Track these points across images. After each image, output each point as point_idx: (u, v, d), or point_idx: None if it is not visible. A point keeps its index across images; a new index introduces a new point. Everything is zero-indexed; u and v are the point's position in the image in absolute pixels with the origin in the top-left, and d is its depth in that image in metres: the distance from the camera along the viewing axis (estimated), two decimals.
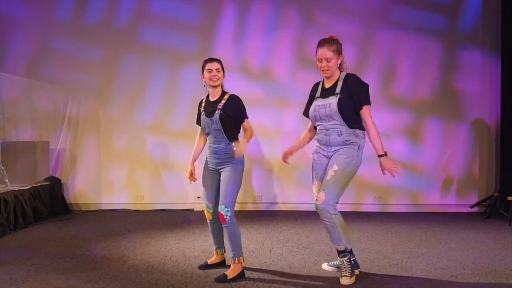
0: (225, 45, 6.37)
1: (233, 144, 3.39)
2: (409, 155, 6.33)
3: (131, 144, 6.43)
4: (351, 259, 3.33)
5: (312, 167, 3.46)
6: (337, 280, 3.30)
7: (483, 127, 6.35)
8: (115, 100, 6.46)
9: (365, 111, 3.27)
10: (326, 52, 3.30)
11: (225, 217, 3.30)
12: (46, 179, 6.03)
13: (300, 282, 3.26)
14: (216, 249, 3.65)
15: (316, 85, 3.50)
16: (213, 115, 3.42)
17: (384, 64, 6.35)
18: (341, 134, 3.28)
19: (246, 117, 3.52)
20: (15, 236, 4.82)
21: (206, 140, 3.62)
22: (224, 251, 3.66)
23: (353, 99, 3.26)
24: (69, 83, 6.39)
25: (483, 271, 3.52)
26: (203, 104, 3.56)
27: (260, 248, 4.25)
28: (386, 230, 5.02)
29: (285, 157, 3.62)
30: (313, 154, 3.45)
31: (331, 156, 3.32)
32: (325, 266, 3.60)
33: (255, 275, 3.43)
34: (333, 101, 3.28)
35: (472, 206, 6.19)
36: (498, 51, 6.29)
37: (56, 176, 6.27)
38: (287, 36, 6.34)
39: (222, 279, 3.28)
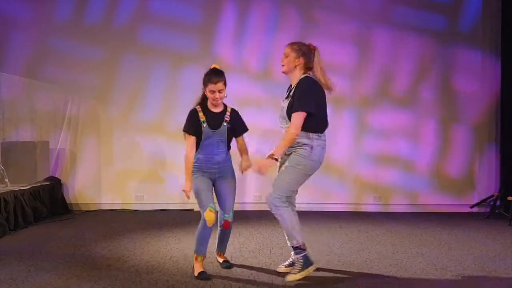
0: (225, 45, 6.37)
1: (243, 165, 3.53)
2: (409, 155, 6.33)
3: (131, 144, 6.43)
4: (303, 254, 3.29)
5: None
6: (337, 280, 3.30)
7: (483, 127, 6.36)
8: (115, 100, 6.45)
9: (293, 116, 3.30)
10: (286, 48, 3.52)
11: (231, 224, 3.49)
12: (46, 179, 6.02)
13: (300, 282, 3.26)
14: (217, 252, 3.72)
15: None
16: (219, 127, 3.46)
17: (384, 64, 6.36)
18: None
19: (247, 130, 3.64)
20: (15, 236, 4.82)
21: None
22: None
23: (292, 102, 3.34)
24: (69, 83, 6.39)
25: (483, 271, 3.52)
26: (201, 115, 3.45)
27: (260, 248, 4.25)
28: (386, 230, 5.02)
29: None
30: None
31: (288, 156, 3.42)
32: (281, 268, 3.51)
33: (255, 275, 3.43)
34: (285, 104, 3.43)
35: (472, 206, 6.19)
36: (498, 51, 6.29)
37: (56, 176, 6.27)
38: (287, 36, 6.32)
39: (228, 264, 3.58)
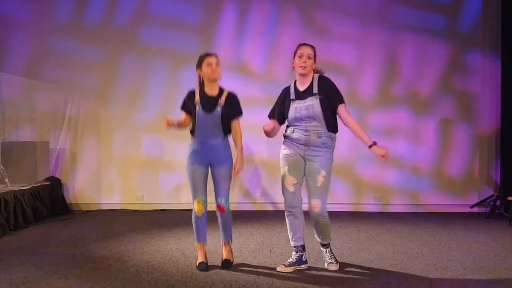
0: (225, 45, 6.37)
1: (236, 167, 3.54)
2: (409, 155, 6.33)
3: (131, 144, 6.43)
4: (303, 255, 3.54)
5: (284, 161, 3.53)
6: (337, 280, 3.30)
7: (483, 127, 6.36)
8: (115, 100, 6.45)
9: (342, 109, 3.41)
10: (308, 49, 3.44)
11: (225, 208, 3.53)
12: (46, 179, 6.03)
13: (300, 282, 3.26)
14: (222, 241, 3.70)
15: (286, 89, 3.59)
16: (213, 111, 3.45)
17: (384, 64, 6.36)
18: (321, 137, 3.40)
19: (242, 114, 3.59)
20: (15, 236, 4.82)
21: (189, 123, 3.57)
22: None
23: (330, 99, 3.40)
24: (69, 83, 6.39)
25: (483, 271, 3.51)
26: (197, 97, 3.49)
27: (260, 248, 4.25)
28: (386, 230, 5.02)
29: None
30: (285, 149, 3.53)
31: (309, 157, 3.42)
32: (281, 268, 3.49)
33: (255, 275, 3.43)
34: (315, 102, 3.39)
35: (472, 206, 6.19)
36: (498, 51, 6.29)
37: (56, 176, 6.27)
38: (287, 36, 6.34)
39: (229, 264, 3.58)
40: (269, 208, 6.34)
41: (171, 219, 5.66)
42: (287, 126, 3.58)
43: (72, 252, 4.13)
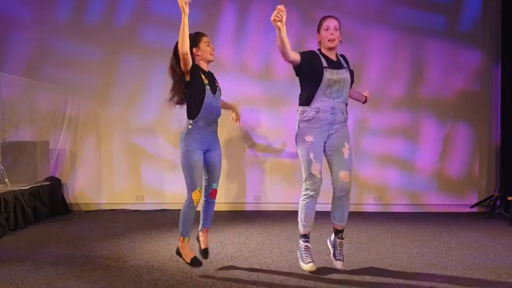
0: (225, 45, 6.36)
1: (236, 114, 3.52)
2: (409, 155, 6.33)
3: (131, 144, 6.43)
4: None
5: (308, 148, 3.37)
6: (337, 280, 3.30)
7: (483, 127, 6.36)
8: (115, 100, 6.45)
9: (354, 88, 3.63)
10: (334, 21, 3.44)
11: (216, 193, 3.53)
12: (46, 179, 6.02)
13: (300, 282, 3.26)
14: (203, 228, 3.63)
15: (313, 53, 3.44)
16: (216, 92, 3.37)
17: (384, 64, 6.36)
18: (343, 113, 3.45)
19: None
20: (15, 236, 4.82)
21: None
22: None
23: (351, 76, 3.49)
24: (69, 83, 6.39)
25: (483, 271, 3.52)
26: (203, 76, 3.29)
27: (260, 248, 4.25)
28: (386, 230, 5.02)
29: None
30: (307, 136, 3.38)
31: (331, 134, 3.41)
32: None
33: (255, 275, 3.43)
34: (347, 76, 3.41)
35: (472, 206, 6.19)
36: (498, 51, 6.29)
37: (56, 176, 6.27)
38: (287, 36, 6.33)
39: (207, 253, 3.56)
40: (269, 208, 6.34)
41: (171, 219, 5.66)
42: (304, 106, 3.41)
43: (72, 252, 4.13)
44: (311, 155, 3.37)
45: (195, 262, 3.41)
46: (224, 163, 6.28)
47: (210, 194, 3.54)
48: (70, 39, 6.37)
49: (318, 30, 3.47)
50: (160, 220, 5.66)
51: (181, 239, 3.46)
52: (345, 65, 3.47)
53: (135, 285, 3.22)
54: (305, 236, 3.54)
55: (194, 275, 3.43)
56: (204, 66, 3.38)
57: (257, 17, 6.42)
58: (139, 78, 6.43)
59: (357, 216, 5.83)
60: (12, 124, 6.35)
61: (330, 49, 3.43)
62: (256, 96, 6.27)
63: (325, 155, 3.47)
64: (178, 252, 3.50)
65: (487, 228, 5.15)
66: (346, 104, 3.52)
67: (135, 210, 6.34)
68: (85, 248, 4.27)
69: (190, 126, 3.31)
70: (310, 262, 3.45)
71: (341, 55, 3.57)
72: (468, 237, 4.71)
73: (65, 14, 6.43)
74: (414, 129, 6.36)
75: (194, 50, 3.33)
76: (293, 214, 5.87)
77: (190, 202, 3.40)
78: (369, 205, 6.33)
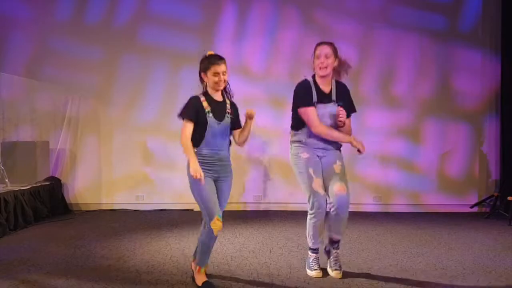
0: (225, 45, 6.36)
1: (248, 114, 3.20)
2: (409, 155, 6.33)
3: (131, 144, 6.43)
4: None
5: (307, 164, 3.35)
6: (337, 280, 3.30)
7: (483, 127, 6.36)
8: (115, 100, 6.45)
9: (349, 118, 3.49)
10: (326, 47, 3.29)
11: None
12: (46, 179, 6.02)
13: (300, 282, 3.26)
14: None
15: (307, 85, 3.37)
16: (223, 119, 3.14)
17: (384, 64, 6.36)
18: (336, 142, 3.48)
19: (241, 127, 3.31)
20: (15, 236, 4.82)
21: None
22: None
23: (345, 106, 3.40)
24: (69, 83, 6.39)
25: (483, 271, 3.52)
26: (205, 104, 3.11)
27: (260, 248, 4.25)
28: (386, 230, 5.02)
29: None
30: (303, 153, 3.38)
31: (323, 156, 3.43)
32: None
33: (255, 275, 3.43)
34: (334, 109, 3.37)
35: (472, 206, 6.19)
36: (498, 51, 6.30)
37: (56, 176, 6.27)
38: (287, 36, 6.35)
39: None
40: (269, 208, 6.34)
41: (171, 219, 5.66)
42: (295, 130, 3.46)
43: (72, 252, 4.12)
44: (311, 171, 3.33)
45: (206, 286, 3.15)
46: None
47: None
48: (70, 39, 6.37)
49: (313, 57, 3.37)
50: (160, 220, 5.66)
51: (197, 269, 3.19)
52: (334, 97, 3.38)
53: (135, 285, 3.22)
54: (315, 250, 3.46)
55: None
56: (212, 92, 3.18)
57: (257, 17, 6.42)
58: (139, 78, 6.43)
59: (357, 216, 5.82)
60: (12, 124, 6.35)
61: (323, 77, 3.35)
62: (256, 96, 6.26)
63: None
64: (193, 278, 3.26)
65: (487, 228, 5.15)
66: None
67: (135, 210, 6.34)
68: (85, 248, 4.26)
69: (199, 152, 3.14)
70: (316, 269, 3.42)
71: (339, 83, 3.44)
72: (468, 237, 4.71)
73: (65, 13, 6.43)
74: (414, 129, 6.35)
75: (202, 74, 3.18)
76: (293, 214, 5.89)
77: (210, 232, 3.06)
78: (369, 205, 6.32)
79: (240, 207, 6.32)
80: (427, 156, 6.35)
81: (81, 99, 6.45)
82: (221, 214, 3.09)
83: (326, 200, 3.35)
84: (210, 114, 3.11)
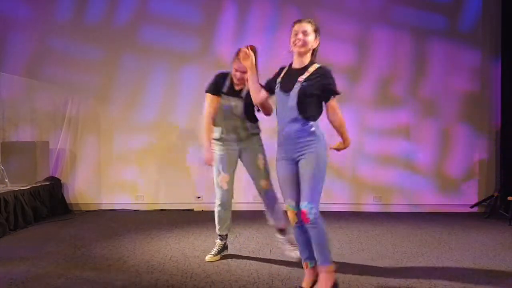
0: (225, 45, 6.36)
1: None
2: (409, 155, 6.33)
3: (131, 144, 6.43)
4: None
5: (217, 161, 3.81)
6: (338, 280, 3.30)
7: (483, 127, 6.35)
8: (115, 100, 6.45)
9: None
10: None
11: (308, 216, 2.80)
12: (46, 179, 6.03)
13: (300, 282, 3.26)
14: (305, 261, 3.06)
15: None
16: (292, 90, 2.96)
17: (384, 64, 6.35)
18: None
19: None
20: (15, 236, 4.82)
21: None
22: (315, 263, 2.98)
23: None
24: (69, 83, 6.39)
25: (483, 271, 3.52)
26: (282, 73, 3.06)
27: (260, 248, 4.25)
28: (386, 230, 5.02)
29: None
30: (217, 150, 3.83)
31: (241, 150, 3.88)
32: (210, 257, 3.84)
33: (255, 275, 3.43)
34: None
35: (472, 206, 6.19)
36: (498, 51, 6.29)
37: (56, 176, 6.27)
38: (287, 36, 6.31)
39: None
40: None
41: (171, 219, 5.66)
42: (215, 125, 3.87)
43: (72, 252, 4.13)
44: (220, 167, 3.76)
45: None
46: None
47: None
48: (70, 39, 6.38)
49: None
50: (160, 220, 5.66)
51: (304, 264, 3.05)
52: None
53: (135, 285, 3.22)
54: (220, 236, 3.95)
55: (194, 275, 3.44)
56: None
57: (257, 17, 6.42)
58: (139, 78, 6.43)
59: (357, 216, 5.83)
60: (12, 124, 6.36)
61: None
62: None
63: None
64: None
65: (487, 228, 5.15)
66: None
67: (135, 210, 6.34)
68: (85, 248, 4.27)
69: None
70: (212, 254, 3.85)
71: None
72: (468, 237, 4.71)
73: (65, 14, 6.43)
74: (414, 129, 6.35)
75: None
76: None
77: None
78: (369, 205, 6.32)
79: (240, 207, 6.31)
80: (427, 156, 6.34)
81: (81, 99, 6.45)
82: (293, 205, 2.86)
83: (232, 195, 3.84)
84: (278, 85, 3.12)
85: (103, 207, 6.43)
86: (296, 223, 2.95)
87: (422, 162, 6.34)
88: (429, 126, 6.35)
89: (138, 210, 6.34)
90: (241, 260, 3.84)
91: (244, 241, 4.52)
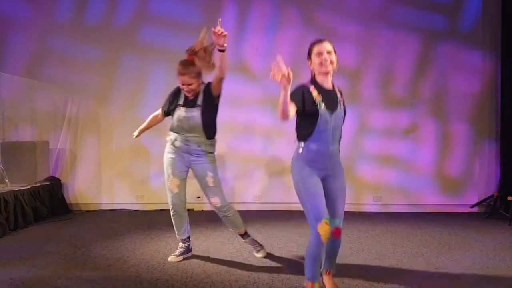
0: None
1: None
2: (409, 155, 6.33)
3: (131, 144, 6.42)
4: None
5: (168, 164, 3.97)
6: (337, 280, 3.30)
7: (483, 127, 6.35)
8: (115, 100, 6.45)
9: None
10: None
11: (341, 231, 2.91)
12: (46, 179, 6.03)
13: (300, 282, 3.26)
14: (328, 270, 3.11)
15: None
16: (337, 109, 2.91)
17: (384, 64, 6.35)
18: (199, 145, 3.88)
19: None
20: (15, 236, 4.82)
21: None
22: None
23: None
24: (69, 83, 6.38)
25: (483, 271, 3.52)
26: (315, 94, 2.87)
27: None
28: (386, 230, 5.02)
29: None
30: (170, 153, 3.99)
31: (194, 162, 3.86)
32: (173, 258, 3.87)
33: (255, 275, 3.44)
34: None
35: (472, 206, 6.19)
36: (498, 51, 6.29)
37: (56, 176, 6.27)
38: (287, 36, 6.34)
39: None
40: (269, 208, 6.34)
41: (171, 219, 5.65)
42: (170, 130, 4.05)
43: (72, 252, 4.13)
44: (170, 170, 3.87)
45: None
46: (224, 163, 6.28)
47: (333, 233, 2.90)
48: (70, 39, 6.37)
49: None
50: (160, 220, 5.66)
51: (310, 284, 2.87)
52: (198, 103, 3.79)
53: (135, 285, 3.22)
54: (182, 240, 3.99)
55: (194, 275, 3.44)
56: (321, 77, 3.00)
57: (257, 17, 6.42)
58: (139, 78, 6.43)
59: (357, 216, 5.83)
60: (12, 124, 6.36)
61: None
62: (256, 96, 6.26)
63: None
64: None
65: (487, 228, 5.15)
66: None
67: (135, 210, 6.34)
68: (85, 248, 4.27)
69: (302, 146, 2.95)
70: (174, 255, 3.90)
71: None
72: (468, 237, 4.71)
73: (65, 14, 6.42)
74: (414, 129, 6.35)
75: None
76: (293, 214, 5.89)
77: (317, 238, 2.77)
78: (369, 205, 6.32)
79: (240, 207, 6.31)
80: (427, 156, 6.34)
81: (81, 99, 6.45)
82: (329, 218, 2.79)
83: (184, 199, 3.94)
84: (322, 105, 2.87)
85: (103, 207, 6.43)
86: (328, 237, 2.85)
87: (422, 162, 6.34)
88: (429, 126, 6.35)
89: (138, 210, 6.34)
90: (241, 260, 3.84)
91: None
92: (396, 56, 6.36)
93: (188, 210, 6.19)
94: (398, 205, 6.32)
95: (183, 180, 3.85)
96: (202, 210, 6.24)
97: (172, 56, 6.31)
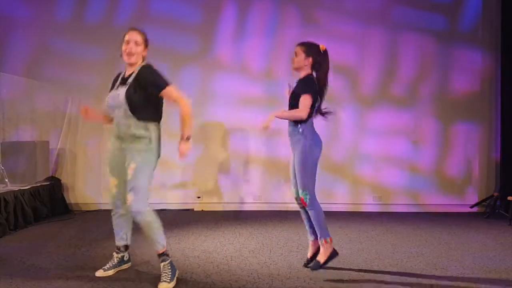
0: (225, 45, 6.37)
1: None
2: (409, 155, 6.33)
3: None
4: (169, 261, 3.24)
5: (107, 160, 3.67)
6: (337, 280, 3.30)
7: (483, 127, 6.35)
8: None
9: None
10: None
11: (305, 200, 3.44)
12: (46, 179, 6.02)
13: (301, 282, 3.26)
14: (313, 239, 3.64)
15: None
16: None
17: (384, 64, 6.36)
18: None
19: None
20: (15, 236, 4.82)
21: None
22: (316, 237, 3.59)
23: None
24: (69, 83, 6.38)
25: (483, 271, 3.52)
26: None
27: (260, 248, 4.25)
28: (386, 230, 5.02)
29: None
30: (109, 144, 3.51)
31: (124, 148, 3.55)
32: (100, 272, 3.41)
33: (255, 275, 3.43)
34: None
35: (472, 206, 6.19)
36: (498, 51, 6.29)
37: (56, 176, 6.27)
38: (287, 36, 6.34)
39: (316, 266, 3.47)
40: (269, 208, 6.34)
41: (171, 219, 5.66)
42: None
43: (72, 252, 4.13)
44: (108, 168, 3.60)
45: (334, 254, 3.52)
46: (224, 163, 6.29)
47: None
48: (70, 39, 6.37)
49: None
50: (160, 220, 5.64)
51: (329, 239, 3.51)
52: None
53: (135, 285, 3.22)
54: (116, 248, 3.58)
55: (194, 275, 3.44)
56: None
57: (257, 17, 6.42)
58: None
59: (357, 216, 5.83)
60: (12, 124, 6.35)
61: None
62: (256, 96, 6.26)
63: None
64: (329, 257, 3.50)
65: (487, 228, 5.15)
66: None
67: None
68: (85, 248, 4.27)
69: (309, 129, 3.60)
70: (102, 269, 3.46)
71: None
72: (468, 237, 4.71)
73: (65, 13, 6.43)
74: (414, 129, 6.35)
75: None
76: (293, 214, 5.88)
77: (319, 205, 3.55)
78: (369, 205, 6.32)
79: (240, 207, 6.32)
80: (427, 156, 6.34)
81: (81, 99, 6.44)
82: (294, 191, 3.59)
83: (123, 201, 3.44)
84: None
85: (103, 207, 6.41)
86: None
87: (422, 162, 6.34)
88: (429, 126, 6.35)
89: None
90: (241, 260, 3.84)
91: (244, 241, 4.52)
92: (396, 56, 6.36)
93: (188, 210, 6.28)
94: (398, 205, 6.32)
95: (122, 179, 3.42)
96: (202, 210, 6.25)
97: (172, 56, 6.38)
